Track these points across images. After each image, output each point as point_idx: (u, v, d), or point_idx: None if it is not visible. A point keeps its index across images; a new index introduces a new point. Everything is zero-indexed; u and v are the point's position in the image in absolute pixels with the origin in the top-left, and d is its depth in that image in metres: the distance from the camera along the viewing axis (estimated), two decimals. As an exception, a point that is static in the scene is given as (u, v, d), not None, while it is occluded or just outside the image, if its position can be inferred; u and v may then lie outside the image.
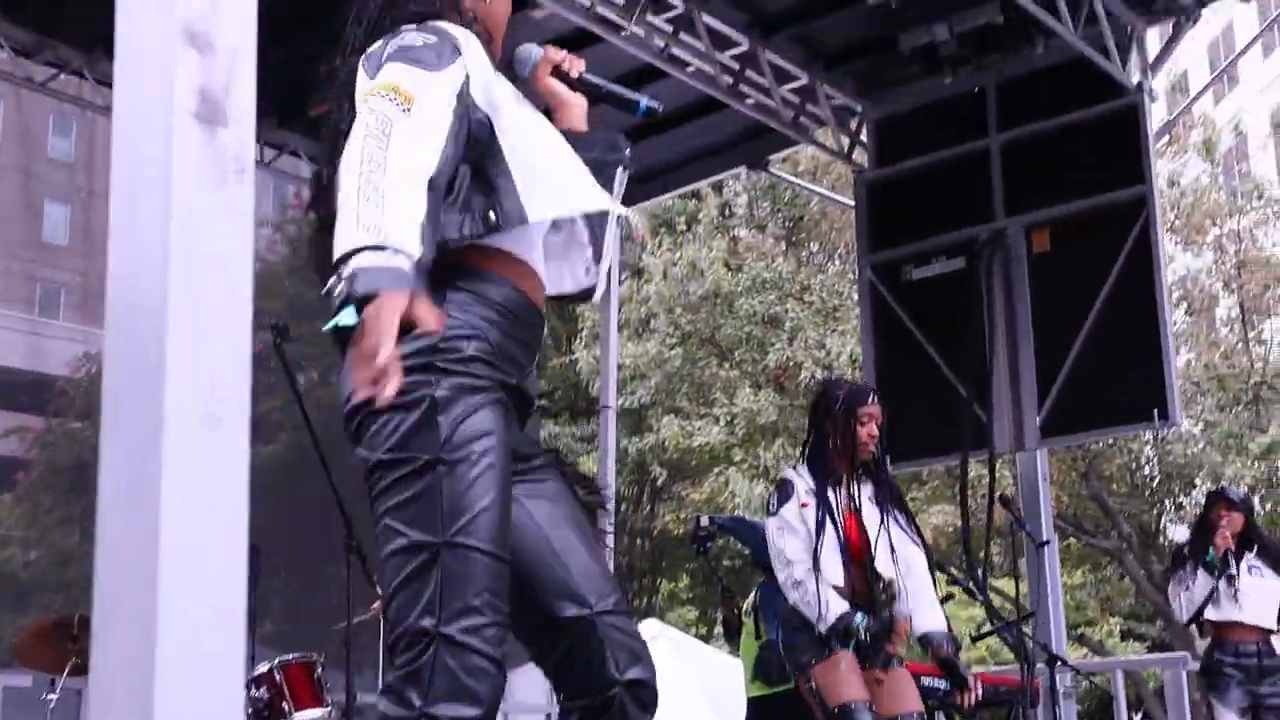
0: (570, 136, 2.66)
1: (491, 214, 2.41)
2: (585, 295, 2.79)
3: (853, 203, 9.17)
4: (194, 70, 0.90)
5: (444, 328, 2.26)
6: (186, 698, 0.82)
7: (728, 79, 8.07)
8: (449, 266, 2.37)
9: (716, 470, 17.56)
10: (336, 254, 1.93)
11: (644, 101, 2.81)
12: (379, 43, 2.39)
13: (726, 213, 19.95)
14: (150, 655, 0.78)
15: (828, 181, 17.37)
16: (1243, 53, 8.72)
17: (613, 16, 7.37)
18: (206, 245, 0.91)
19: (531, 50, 2.81)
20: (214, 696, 0.84)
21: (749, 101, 8.28)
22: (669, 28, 7.69)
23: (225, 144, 0.90)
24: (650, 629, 15.04)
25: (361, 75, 2.34)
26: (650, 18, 7.50)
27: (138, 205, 0.89)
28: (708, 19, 7.75)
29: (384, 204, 1.99)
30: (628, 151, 2.73)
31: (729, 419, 17.71)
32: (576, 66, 2.80)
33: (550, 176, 2.51)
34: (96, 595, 0.83)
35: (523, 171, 2.45)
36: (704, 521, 8.00)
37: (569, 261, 2.70)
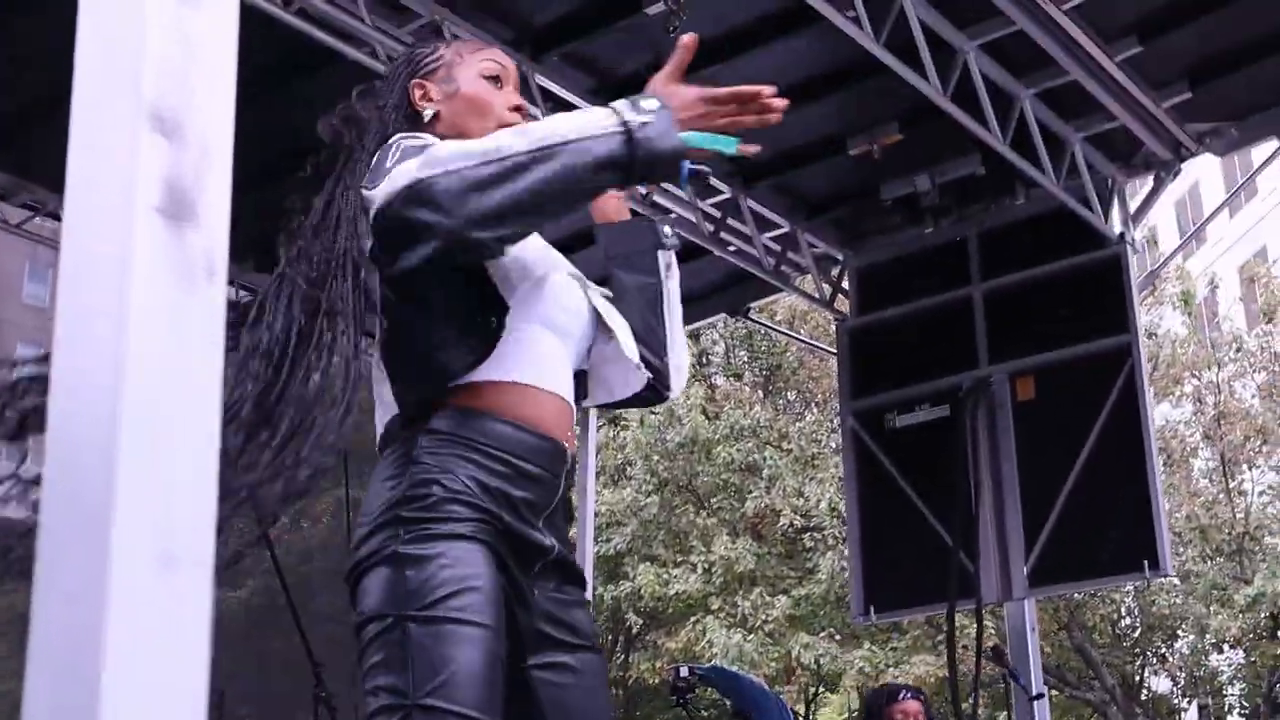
0: (608, 230, 2.61)
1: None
2: (649, 398, 2.61)
3: (831, 350, 9.14)
4: (161, 159, 0.79)
5: (411, 476, 2.18)
6: None
7: (709, 226, 8.07)
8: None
9: (693, 619, 17.29)
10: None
11: (685, 166, 2.34)
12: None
13: (704, 360, 19.95)
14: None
15: (806, 330, 17.42)
16: (1215, 214, 8.91)
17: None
18: (169, 358, 0.79)
19: None
20: None
21: (731, 249, 8.27)
22: (651, 174, 7.68)
23: (194, 244, 0.79)
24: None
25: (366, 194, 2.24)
26: (634, 164, 7.50)
27: (89, 312, 0.78)
28: (688, 166, 7.75)
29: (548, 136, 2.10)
30: (666, 229, 2.61)
31: (706, 567, 17.48)
32: None
33: (530, 287, 2.38)
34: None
35: (504, 287, 2.35)
36: (683, 672, 7.82)
37: (609, 371, 2.55)
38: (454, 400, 2.29)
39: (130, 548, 0.73)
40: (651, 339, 2.55)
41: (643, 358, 2.51)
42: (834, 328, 8.95)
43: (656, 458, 18.42)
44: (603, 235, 2.64)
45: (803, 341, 15.14)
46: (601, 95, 7.22)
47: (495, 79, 2.55)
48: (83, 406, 0.75)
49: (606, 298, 2.57)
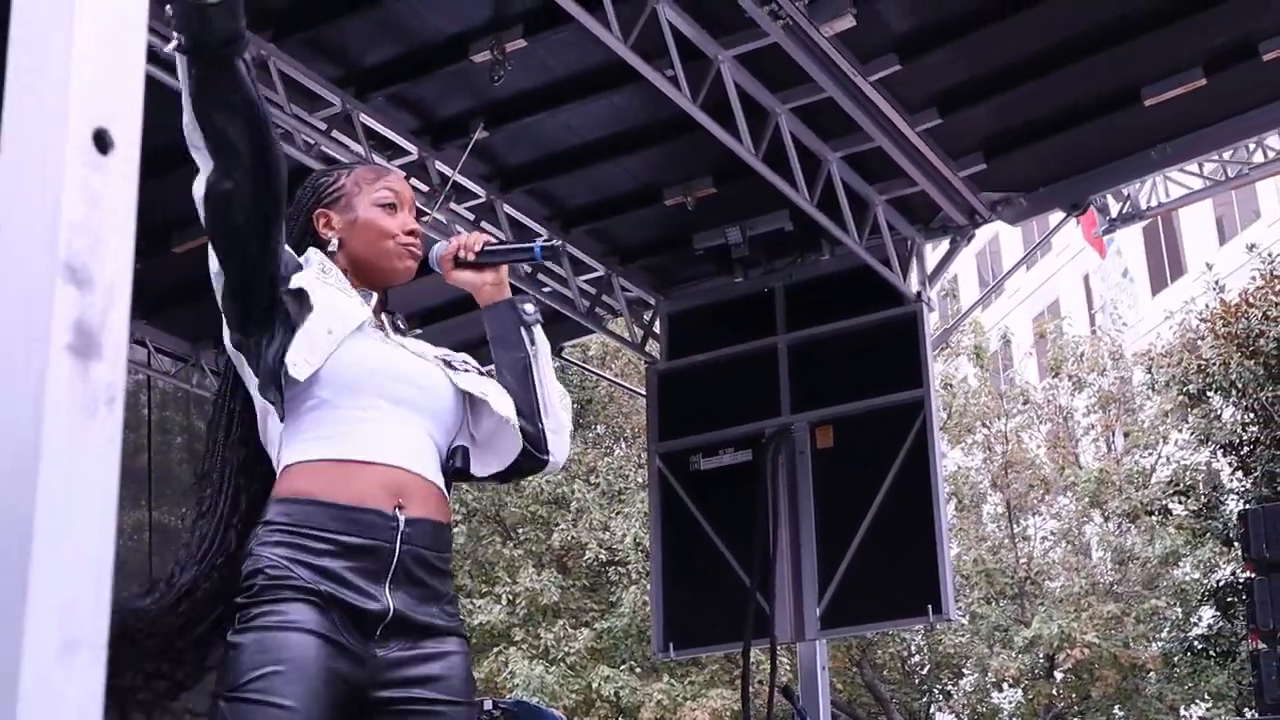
0: (484, 314, 2.86)
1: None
2: (530, 464, 2.85)
3: (638, 391, 9.37)
4: (71, 305, 0.93)
5: (245, 567, 2.44)
6: None
7: (526, 268, 8.24)
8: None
9: (496, 649, 17.34)
10: None
11: (537, 245, 2.91)
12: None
13: (518, 392, 20.07)
14: None
15: (616, 367, 17.68)
16: (1010, 274, 9.44)
17: (416, 203, 7.48)
18: (75, 474, 0.93)
19: (433, 249, 2.88)
20: None
21: (546, 290, 8.46)
22: (471, 216, 7.84)
23: (98, 376, 0.93)
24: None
25: None
26: (453, 205, 7.65)
27: (6, 436, 0.92)
28: (509, 209, 7.93)
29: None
30: (528, 306, 2.87)
31: (510, 598, 17.57)
32: (472, 248, 2.85)
33: (351, 374, 2.58)
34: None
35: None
36: (487, 705, 7.90)
37: (498, 441, 2.77)
38: (279, 489, 2.52)
39: (39, 637, 0.87)
40: (526, 407, 2.78)
41: (521, 426, 2.74)
42: (644, 368, 9.19)
43: (465, 488, 18.46)
44: (483, 320, 2.89)
45: (611, 381, 15.37)
46: (425, 135, 7.37)
47: (391, 205, 2.78)
48: (3, 512, 0.89)
49: (493, 374, 2.84)
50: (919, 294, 8.11)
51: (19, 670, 0.84)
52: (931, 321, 8.38)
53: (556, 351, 9.74)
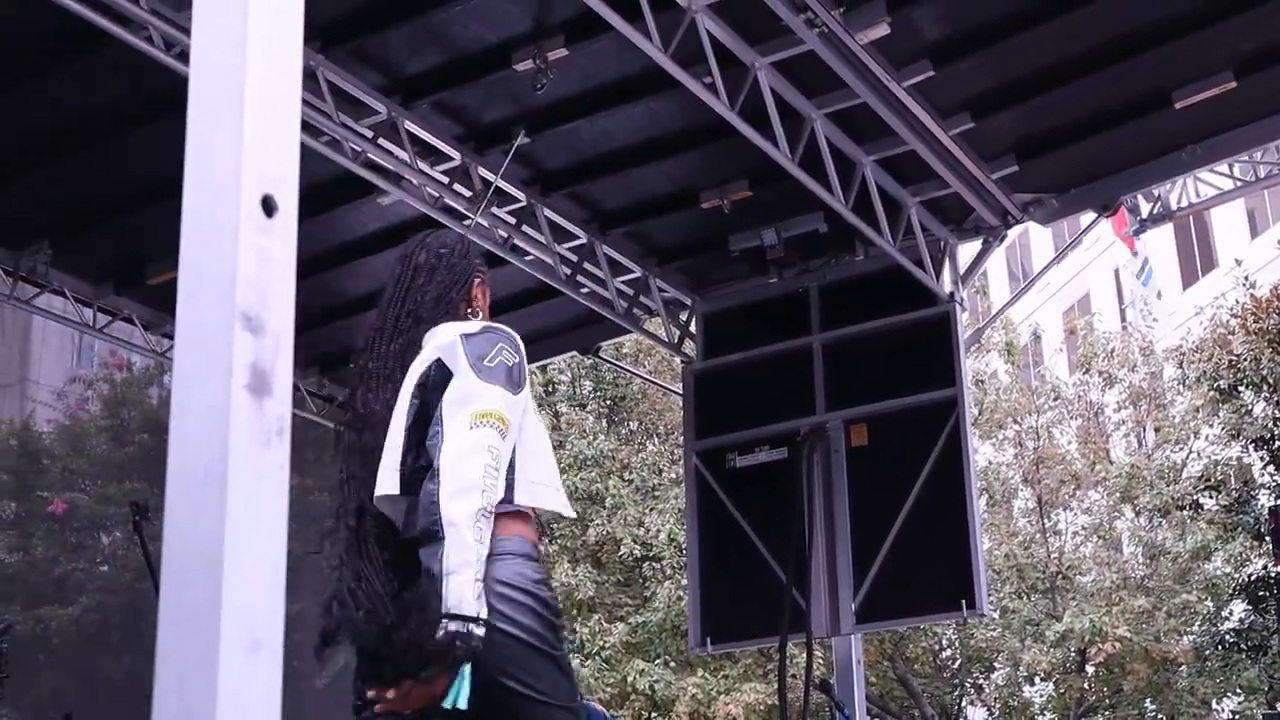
0: None
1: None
2: None
3: (673, 387, 9.51)
4: (247, 350, 1.09)
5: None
6: None
7: (565, 269, 8.40)
8: None
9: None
10: (453, 602, 2.66)
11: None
12: (474, 328, 3.04)
13: (550, 390, 20.24)
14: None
15: (650, 364, 17.82)
16: (1040, 274, 9.51)
17: (458, 206, 7.66)
18: (254, 495, 1.09)
19: None
20: None
21: (584, 291, 8.61)
22: (512, 219, 8.01)
23: (270, 411, 1.09)
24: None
25: (465, 361, 2.91)
26: (495, 209, 7.81)
27: (198, 462, 1.07)
28: (549, 213, 8.09)
29: (475, 570, 2.71)
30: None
31: (589, 596, 17.74)
32: None
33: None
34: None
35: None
36: None
37: None
38: (510, 529, 2.98)
39: (230, 635, 1.03)
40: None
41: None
42: (678, 364, 9.32)
43: (499, 484, 18.62)
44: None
45: (645, 379, 15.53)
46: (468, 142, 7.53)
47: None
48: (196, 530, 1.04)
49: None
50: (952, 294, 8.23)
51: (217, 667, 0.99)
52: (963, 320, 8.50)
53: (594, 352, 9.93)
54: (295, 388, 9.92)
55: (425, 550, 2.77)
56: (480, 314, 3.21)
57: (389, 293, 3.23)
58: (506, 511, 2.88)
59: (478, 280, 3.26)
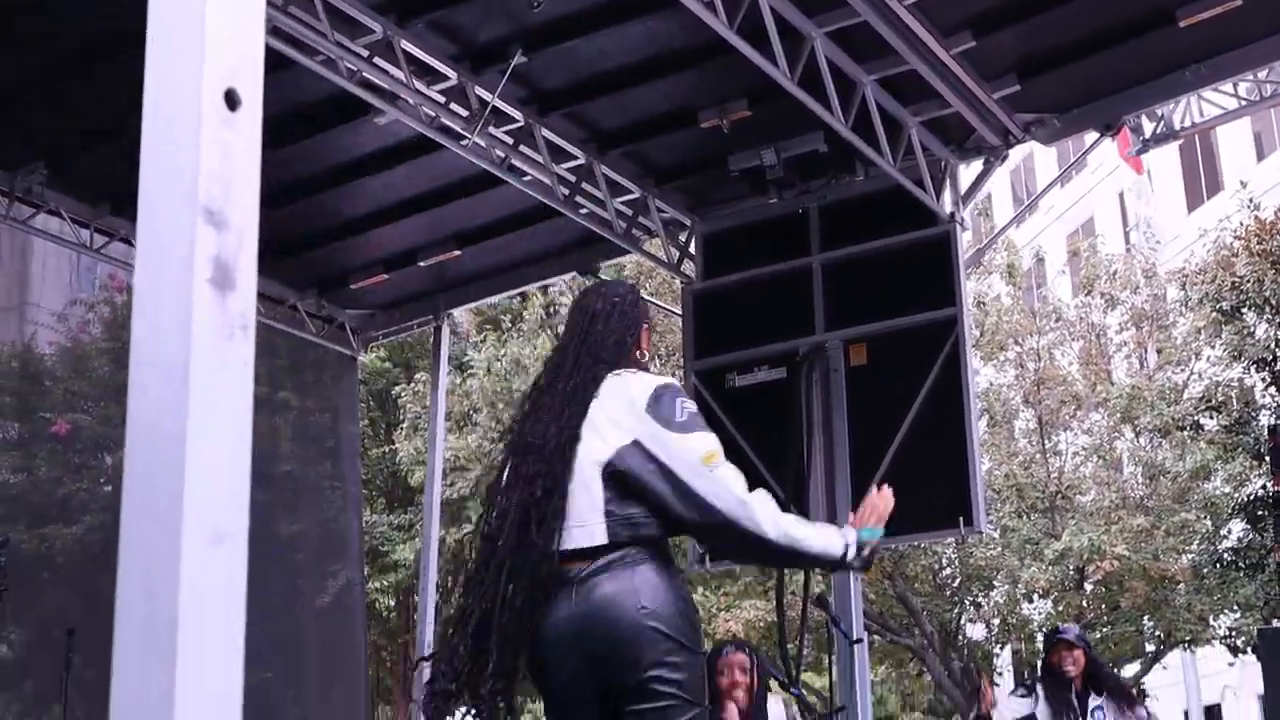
0: None
1: None
2: None
3: (674, 308, 9.51)
4: (210, 244, 1.08)
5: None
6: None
7: (564, 190, 8.36)
8: None
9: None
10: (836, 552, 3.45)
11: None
12: (649, 395, 3.35)
13: (551, 312, 20.22)
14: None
15: (651, 286, 17.78)
16: (1043, 194, 9.34)
17: (455, 126, 7.61)
18: (217, 388, 1.09)
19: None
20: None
21: (583, 211, 8.58)
22: (509, 139, 7.96)
23: (233, 306, 1.08)
24: None
25: (657, 418, 3.31)
26: (492, 129, 7.76)
27: (160, 357, 1.07)
28: (547, 133, 8.04)
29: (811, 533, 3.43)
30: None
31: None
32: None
33: None
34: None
35: None
36: None
37: None
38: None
39: (192, 527, 1.03)
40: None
41: None
42: (678, 286, 9.31)
43: (502, 406, 18.68)
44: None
45: (646, 300, 15.49)
46: (464, 61, 7.46)
47: None
48: (158, 425, 1.04)
49: None
50: (952, 214, 8.19)
51: (179, 559, 1.00)
52: (965, 241, 8.47)
53: (593, 272, 9.90)
54: (294, 309, 10.02)
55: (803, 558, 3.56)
56: (647, 356, 3.67)
57: (566, 337, 3.64)
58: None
59: (645, 327, 3.68)
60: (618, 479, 3.28)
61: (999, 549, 19.09)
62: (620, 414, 3.34)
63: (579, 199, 8.55)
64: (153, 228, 1.08)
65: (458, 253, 9.46)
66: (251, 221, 1.11)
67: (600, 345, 3.51)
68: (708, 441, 3.31)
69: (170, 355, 1.05)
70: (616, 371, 3.44)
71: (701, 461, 3.27)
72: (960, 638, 20.72)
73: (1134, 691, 7.40)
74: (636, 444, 3.29)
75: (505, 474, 3.48)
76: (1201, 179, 31.31)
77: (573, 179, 8.43)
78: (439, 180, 8.72)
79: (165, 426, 1.03)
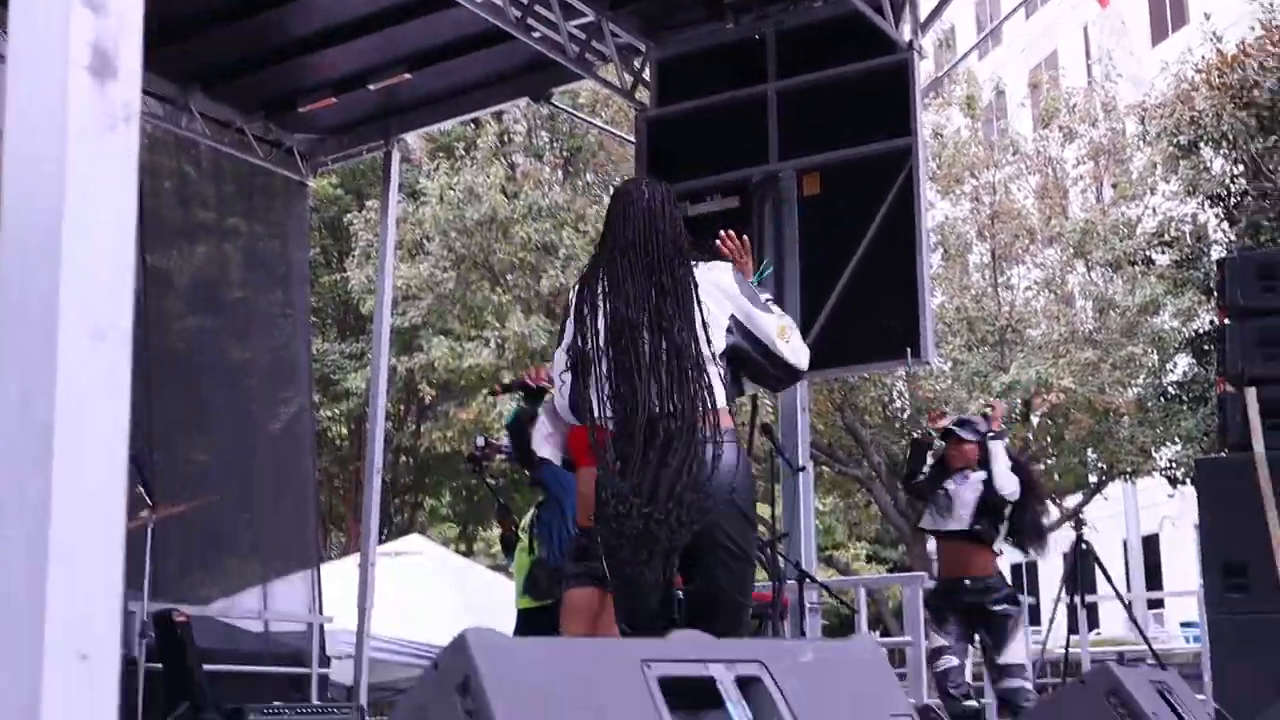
0: None
1: None
2: None
3: (631, 137, 9.38)
4: (88, 29, 1.01)
5: None
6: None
7: (516, 12, 8.16)
8: None
9: (485, 392, 17.69)
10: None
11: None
12: (730, 275, 4.15)
13: (505, 140, 19.97)
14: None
15: (606, 115, 17.56)
16: (1007, 17, 9.14)
17: None
18: (98, 179, 1.03)
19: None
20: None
21: (535, 35, 8.39)
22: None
23: (114, 95, 1.01)
24: (413, 544, 15.19)
25: (743, 295, 4.10)
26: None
27: (34, 148, 1.00)
28: (494, -49, 7.80)
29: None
30: None
31: (499, 342, 17.84)
32: None
33: None
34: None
35: None
36: (480, 441, 8.24)
37: None
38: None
39: (72, 323, 0.98)
40: None
41: None
42: (634, 115, 9.17)
43: (454, 234, 18.54)
44: None
45: (601, 128, 15.31)
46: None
47: None
48: (33, 219, 0.98)
49: None
50: (910, 42, 8.04)
51: (56, 356, 0.95)
52: (923, 70, 8.34)
53: (546, 99, 9.72)
54: (240, 132, 9.81)
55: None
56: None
57: (632, 233, 4.07)
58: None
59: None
60: (726, 355, 3.99)
61: (949, 382, 19.29)
62: (718, 298, 4.00)
63: (531, 22, 8.35)
64: (25, 11, 1.00)
65: (408, 76, 9.24)
66: (135, 7, 1.04)
67: (676, 238, 4.09)
68: (782, 319, 4.12)
69: (45, 147, 0.98)
70: (695, 263, 4.05)
71: (778, 334, 4.06)
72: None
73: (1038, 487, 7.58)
74: (734, 319, 4.01)
75: (635, 354, 3.92)
76: (1167, 12, 30.99)
77: (525, 1, 8.21)
78: (390, 0, 8.49)
79: (40, 221, 0.97)
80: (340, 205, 21.28)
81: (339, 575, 10.98)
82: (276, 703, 8.13)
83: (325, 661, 9.71)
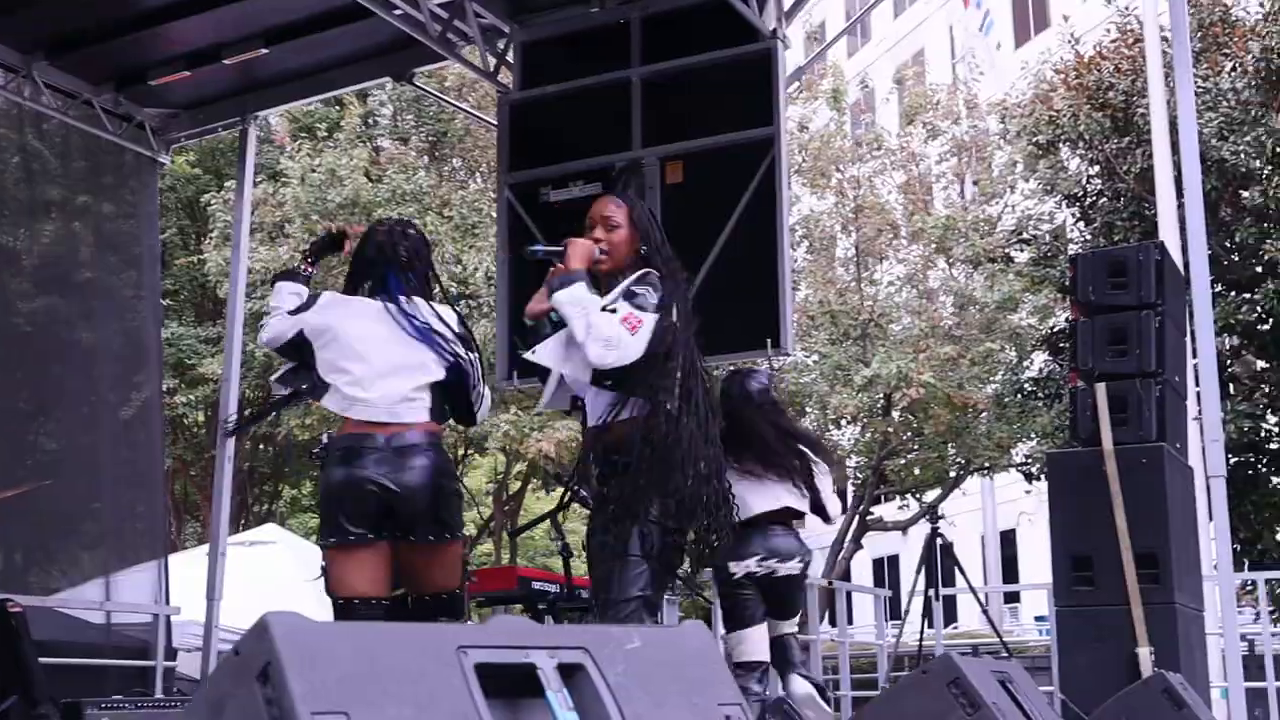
0: None
1: None
2: None
3: (495, 122, 9.25)
4: None
5: None
6: None
7: (375, -15, 7.97)
8: None
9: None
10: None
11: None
12: None
13: (370, 122, 19.66)
14: None
15: (474, 99, 17.37)
16: (872, 7, 9.22)
17: None
18: None
19: None
20: None
21: (397, 13, 8.20)
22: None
23: None
24: (268, 533, 14.90)
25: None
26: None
27: None
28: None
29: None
30: None
31: (361, 329, 17.53)
32: None
33: None
34: None
35: None
36: (325, 439, 8.04)
37: None
38: None
39: None
40: None
41: None
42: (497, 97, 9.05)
43: (316, 217, 18.18)
44: None
45: (467, 111, 15.14)
46: None
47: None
48: None
49: None
50: (775, 30, 8.03)
51: None
52: (788, 61, 8.33)
53: (408, 79, 9.55)
54: (89, 104, 9.47)
55: None
56: None
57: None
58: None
59: None
60: None
61: (812, 375, 19.45)
62: None
63: (393, -1, 8.17)
64: None
65: (265, 51, 8.98)
66: None
67: None
68: None
69: None
70: None
71: None
72: (772, 460, 21.14)
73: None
74: None
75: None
76: (1030, 15, 31.65)
77: (385, -23, 8.04)
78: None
79: None
80: (198, 185, 20.76)
81: (191, 564, 10.71)
82: (117, 696, 7.88)
83: (171, 654, 9.46)
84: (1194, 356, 7.39)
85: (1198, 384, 7.28)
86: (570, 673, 2.06)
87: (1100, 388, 6.73)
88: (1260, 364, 17.28)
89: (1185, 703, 5.07)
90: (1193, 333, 7.20)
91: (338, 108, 18.63)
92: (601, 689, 2.04)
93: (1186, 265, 7.79)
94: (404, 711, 1.82)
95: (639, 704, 2.04)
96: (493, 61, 8.92)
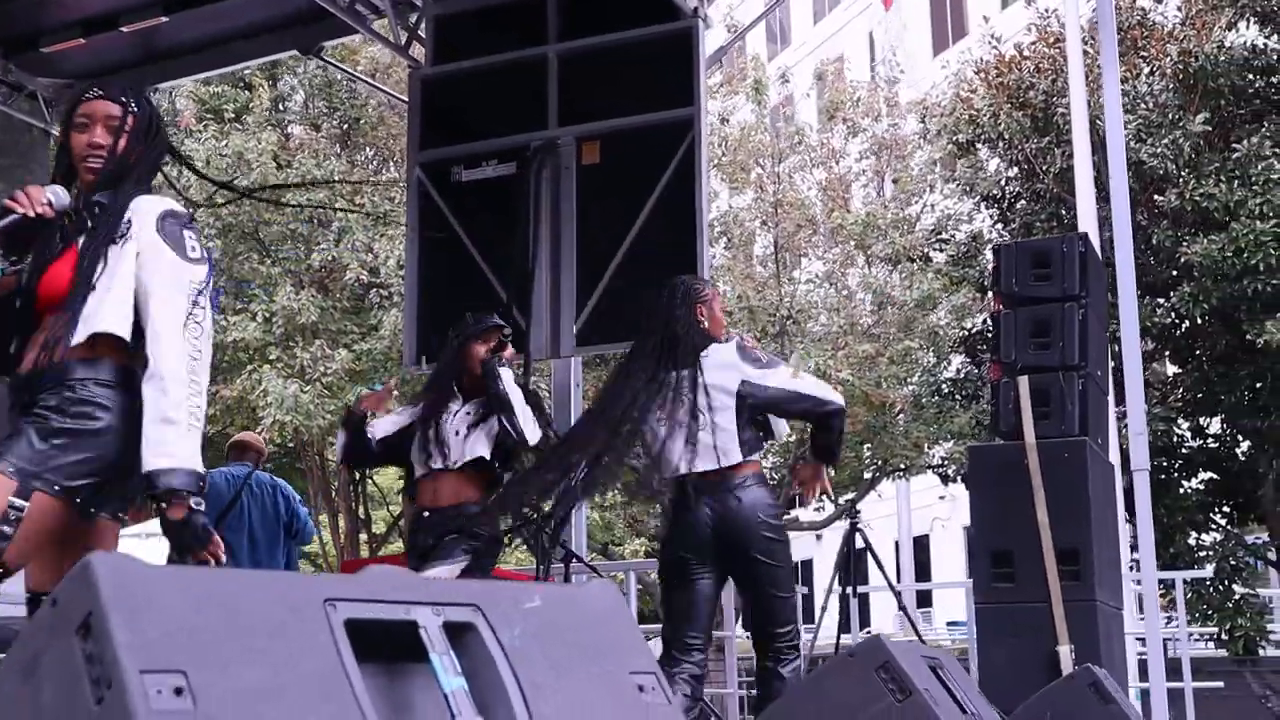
0: None
1: None
2: None
3: (406, 98, 8.94)
4: None
5: None
6: None
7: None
8: None
9: (250, 367, 16.90)
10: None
11: None
12: None
13: (280, 107, 19.15)
14: None
15: (389, 84, 16.96)
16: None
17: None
18: None
19: None
20: None
21: (304, -19, 7.88)
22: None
23: None
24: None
25: None
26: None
27: None
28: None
29: None
30: None
31: (267, 316, 17.06)
32: None
33: None
34: None
35: None
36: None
37: None
38: None
39: None
40: None
41: None
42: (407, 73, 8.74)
43: (221, 201, 17.67)
44: None
45: (381, 90, 14.75)
46: None
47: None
48: None
49: None
50: (695, 9, 7.79)
51: None
52: (709, 44, 8.11)
53: (316, 53, 9.20)
54: (-24, 72, 9.00)
55: None
56: None
57: None
58: None
59: None
60: None
61: (729, 371, 19.20)
62: None
63: (298, -35, 7.84)
64: None
65: (164, 19, 8.59)
66: None
67: None
68: None
69: None
70: None
71: None
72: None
73: None
74: None
75: None
76: (948, 22, 31.77)
77: (292, -58, 7.71)
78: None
79: None
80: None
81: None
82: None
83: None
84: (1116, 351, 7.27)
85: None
86: (458, 633, 1.75)
87: (1023, 380, 6.57)
88: (1173, 369, 17.33)
89: (1113, 697, 4.88)
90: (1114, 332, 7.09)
91: (247, 91, 18.12)
92: (495, 652, 1.74)
93: (1109, 263, 7.69)
94: (255, 672, 1.50)
95: (538, 670, 1.74)
96: (404, 36, 8.62)
